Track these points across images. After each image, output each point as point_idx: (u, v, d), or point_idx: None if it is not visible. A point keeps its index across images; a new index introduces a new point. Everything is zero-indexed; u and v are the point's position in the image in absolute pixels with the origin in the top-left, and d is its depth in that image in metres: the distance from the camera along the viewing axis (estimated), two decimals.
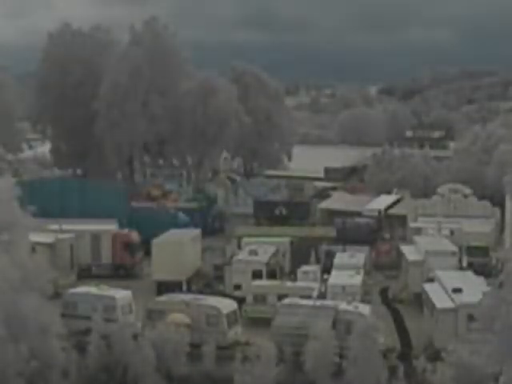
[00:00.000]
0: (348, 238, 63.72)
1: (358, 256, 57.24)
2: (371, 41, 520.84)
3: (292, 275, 55.80)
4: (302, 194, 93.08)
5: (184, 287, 54.10)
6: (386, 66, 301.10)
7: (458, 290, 43.30)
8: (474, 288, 42.43)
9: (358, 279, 50.68)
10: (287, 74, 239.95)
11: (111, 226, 61.98)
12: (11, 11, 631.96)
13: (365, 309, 42.71)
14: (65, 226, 58.78)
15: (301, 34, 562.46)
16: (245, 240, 61.05)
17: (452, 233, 63.57)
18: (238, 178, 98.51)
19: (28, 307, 39.18)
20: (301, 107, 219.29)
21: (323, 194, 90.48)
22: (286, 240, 61.21)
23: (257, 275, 52.11)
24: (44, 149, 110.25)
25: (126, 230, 62.09)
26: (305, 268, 55.21)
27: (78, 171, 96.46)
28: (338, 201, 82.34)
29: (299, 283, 51.37)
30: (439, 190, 75.08)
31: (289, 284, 50.47)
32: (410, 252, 56.87)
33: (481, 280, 46.94)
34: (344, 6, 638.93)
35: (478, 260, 58.78)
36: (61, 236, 56.93)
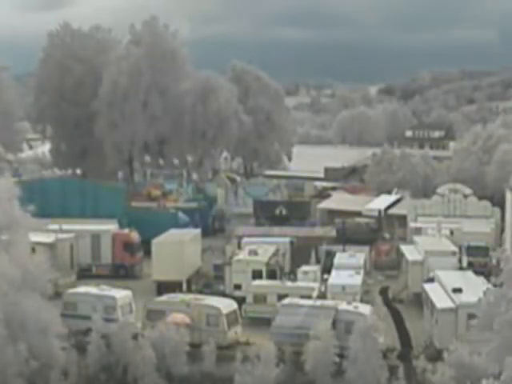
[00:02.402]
0: (348, 238, 63.73)
1: (357, 256, 57.27)
2: (412, 40, 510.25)
3: (292, 275, 55.80)
4: (302, 194, 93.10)
5: (184, 287, 54.12)
6: (431, 66, 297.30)
7: (458, 290, 43.32)
8: (474, 288, 42.42)
9: (358, 279, 50.72)
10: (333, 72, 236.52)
11: (111, 226, 61.98)
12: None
13: (365, 309, 42.73)
14: (65, 226, 58.72)
15: (345, 30, 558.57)
16: (245, 240, 61.05)
17: (452, 233, 63.58)
18: (238, 178, 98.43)
19: (28, 307, 39.22)
20: (301, 107, 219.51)
21: (323, 194, 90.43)
22: (286, 240, 61.22)
23: (257, 275, 52.11)
24: (44, 149, 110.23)
25: (126, 230, 62.09)
26: (305, 268, 55.23)
27: (78, 171, 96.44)
28: (338, 201, 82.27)
29: (299, 283, 51.38)
30: (439, 190, 75.00)
31: (289, 284, 50.45)
32: (410, 252, 56.87)
33: (481, 280, 46.95)
34: (385, 4, 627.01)
35: (477, 260, 58.82)
36: (61, 236, 56.87)
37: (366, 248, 61.76)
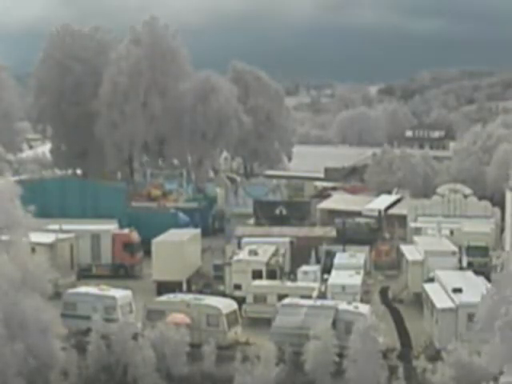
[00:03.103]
0: (348, 238, 63.72)
1: (358, 256, 57.29)
2: None
3: (292, 275, 55.79)
4: (302, 194, 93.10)
5: (184, 287, 54.11)
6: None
7: (458, 290, 43.33)
8: (474, 288, 42.44)
9: (357, 279, 50.74)
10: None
11: (111, 226, 61.99)
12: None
13: (365, 309, 42.74)
14: (65, 226, 58.72)
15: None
16: (245, 240, 61.05)
17: (452, 233, 63.58)
18: (238, 178, 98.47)
19: (28, 307, 39.21)
20: (301, 107, 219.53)
21: (323, 194, 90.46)
22: (286, 240, 61.20)
23: (257, 275, 52.08)
24: (44, 149, 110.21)
25: (126, 230, 62.09)
26: (305, 268, 55.23)
27: (78, 171, 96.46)
28: (338, 201, 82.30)
29: (299, 283, 51.39)
30: (439, 190, 74.99)
31: (289, 284, 50.46)
32: (410, 252, 56.86)
33: (481, 280, 46.95)
34: None
35: (477, 260, 58.83)
36: (61, 236, 56.85)
37: (366, 248, 61.75)
